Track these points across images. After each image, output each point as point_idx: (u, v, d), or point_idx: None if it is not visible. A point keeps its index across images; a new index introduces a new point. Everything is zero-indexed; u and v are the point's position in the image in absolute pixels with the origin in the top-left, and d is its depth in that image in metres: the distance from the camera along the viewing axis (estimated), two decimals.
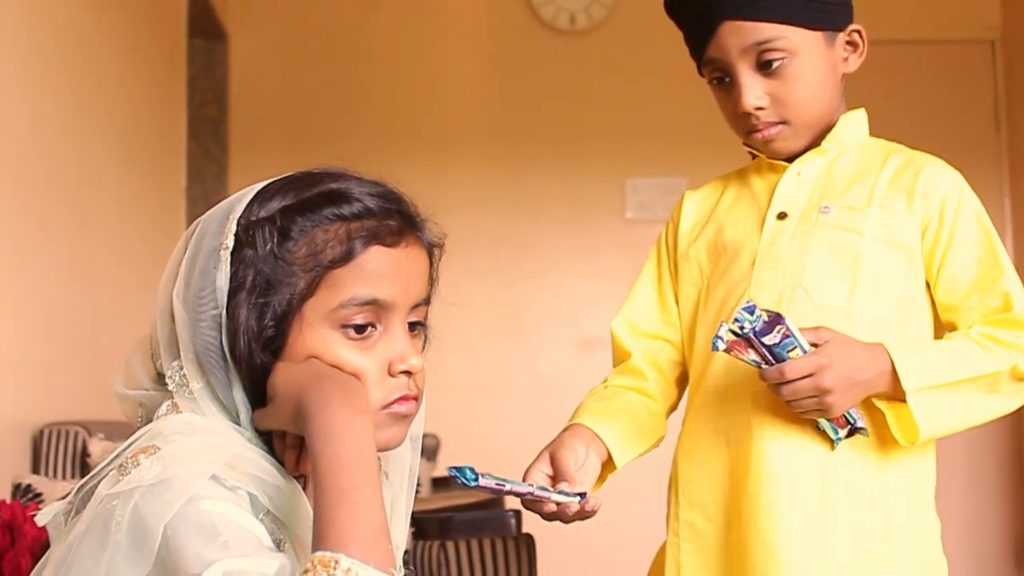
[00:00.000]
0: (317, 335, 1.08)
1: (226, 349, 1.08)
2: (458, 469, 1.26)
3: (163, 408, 1.10)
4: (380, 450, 1.10)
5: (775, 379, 1.40)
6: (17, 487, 2.48)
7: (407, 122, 5.09)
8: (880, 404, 1.46)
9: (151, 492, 0.98)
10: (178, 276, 1.11)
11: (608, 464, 1.55)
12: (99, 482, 1.04)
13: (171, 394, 1.11)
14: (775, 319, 1.40)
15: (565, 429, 1.56)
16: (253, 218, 1.09)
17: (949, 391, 1.44)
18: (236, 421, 1.10)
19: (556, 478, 1.46)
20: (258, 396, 1.09)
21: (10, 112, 2.68)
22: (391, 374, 1.11)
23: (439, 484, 4.13)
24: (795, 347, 1.40)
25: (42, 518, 1.08)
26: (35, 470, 2.81)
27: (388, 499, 1.21)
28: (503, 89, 5.16)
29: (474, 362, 5.00)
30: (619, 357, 1.70)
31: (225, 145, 4.97)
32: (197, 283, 1.09)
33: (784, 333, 1.39)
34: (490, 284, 5.07)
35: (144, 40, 3.92)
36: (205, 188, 4.76)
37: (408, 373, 1.12)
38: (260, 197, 1.11)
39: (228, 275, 1.07)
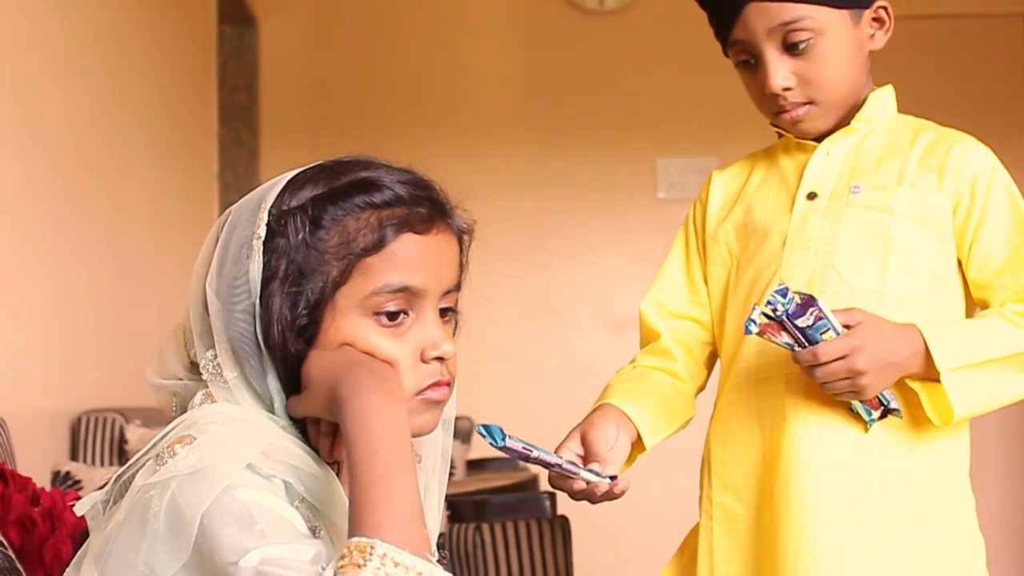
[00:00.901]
0: (350, 322, 1.09)
1: (260, 338, 1.09)
2: (487, 428, 1.26)
3: (197, 398, 1.11)
4: (414, 436, 1.10)
5: (809, 361, 1.40)
6: (56, 474, 2.51)
7: (437, 106, 5.09)
8: (914, 384, 1.45)
9: (188, 481, 0.99)
10: (211, 265, 1.11)
11: (638, 445, 1.55)
12: (136, 472, 1.05)
13: (205, 383, 1.11)
14: (808, 301, 1.40)
15: (595, 409, 1.56)
16: (285, 207, 1.10)
17: (982, 370, 1.43)
18: (270, 410, 1.11)
19: (587, 458, 1.46)
20: (292, 384, 1.10)
21: (47, 102, 2.71)
22: (424, 360, 1.12)
23: (473, 467, 4.15)
24: (828, 329, 1.40)
25: (80, 508, 1.09)
26: (74, 457, 2.84)
27: (422, 483, 1.21)
28: (533, 71, 5.15)
29: (506, 345, 5.01)
30: (647, 337, 1.70)
31: (256, 131, 4.99)
32: (230, 272, 1.10)
33: (817, 315, 1.39)
34: (522, 267, 5.07)
35: (175, 28, 3.94)
36: (236, 174, 4.78)
37: (440, 359, 1.13)
38: (291, 186, 1.12)
39: (261, 265, 1.08)
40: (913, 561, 1.48)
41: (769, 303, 1.40)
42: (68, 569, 1.08)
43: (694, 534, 1.62)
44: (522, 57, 5.16)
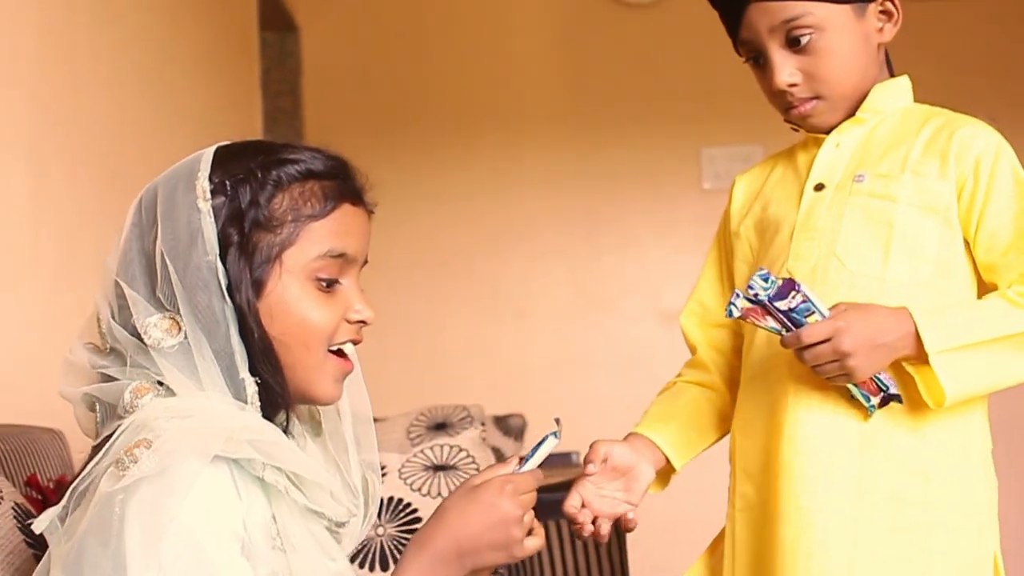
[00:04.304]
0: (293, 284, 1.18)
1: (225, 293, 1.15)
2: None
3: (127, 395, 1.14)
4: (326, 402, 1.24)
5: (794, 344, 1.42)
6: None
7: (480, 104, 5.10)
8: (908, 367, 1.46)
9: (155, 482, 1.02)
10: (155, 231, 1.17)
11: (668, 467, 1.62)
12: (87, 483, 1.08)
13: (129, 376, 1.14)
14: (789, 284, 1.42)
15: (625, 437, 1.63)
16: (234, 175, 1.18)
17: (976, 351, 1.43)
18: (221, 368, 1.15)
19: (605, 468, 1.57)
20: (251, 344, 1.16)
21: (95, 109, 2.75)
22: (348, 321, 1.23)
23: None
24: (813, 312, 1.41)
25: (38, 526, 1.10)
26: None
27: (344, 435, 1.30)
28: (573, 65, 5.15)
29: (556, 338, 5.01)
30: (690, 349, 1.74)
31: (301, 135, 5.02)
32: (181, 236, 1.16)
33: (801, 299, 1.40)
34: (569, 260, 5.08)
35: (218, 36, 3.98)
36: None
37: (363, 323, 1.24)
38: (225, 157, 1.20)
39: (214, 226, 1.16)
40: (916, 548, 1.47)
41: (750, 287, 1.42)
42: None
43: (723, 531, 1.66)
44: (563, 51, 5.16)
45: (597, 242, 5.10)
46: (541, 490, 3.03)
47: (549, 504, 2.81)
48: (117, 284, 1.19)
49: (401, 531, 2.14)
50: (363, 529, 1.29)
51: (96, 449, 1.14)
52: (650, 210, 5.10)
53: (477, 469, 2.28)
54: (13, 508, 1.47)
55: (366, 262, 1.28)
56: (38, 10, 2.46)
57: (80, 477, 1.10)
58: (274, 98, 4.90)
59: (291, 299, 1.18)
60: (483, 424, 3.78)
